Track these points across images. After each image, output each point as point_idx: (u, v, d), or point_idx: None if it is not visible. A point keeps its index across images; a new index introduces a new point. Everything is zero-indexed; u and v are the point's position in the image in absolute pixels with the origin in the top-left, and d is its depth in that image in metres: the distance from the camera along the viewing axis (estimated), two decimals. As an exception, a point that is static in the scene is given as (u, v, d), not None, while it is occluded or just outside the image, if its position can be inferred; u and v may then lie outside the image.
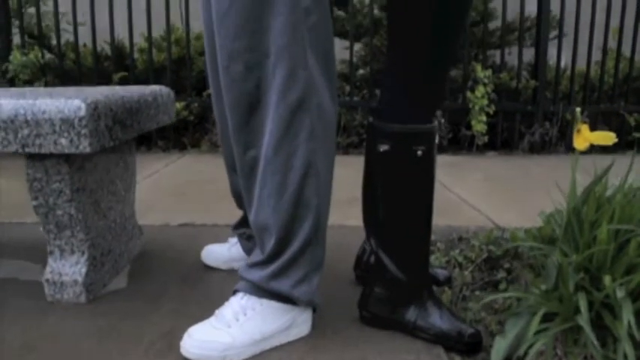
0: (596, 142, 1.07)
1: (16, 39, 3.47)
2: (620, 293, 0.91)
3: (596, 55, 3.75)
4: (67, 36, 3.57)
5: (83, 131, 1.11)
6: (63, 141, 1.12)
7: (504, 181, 2.66)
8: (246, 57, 0.97)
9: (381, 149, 1.02)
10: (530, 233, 1.39)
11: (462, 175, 2.74)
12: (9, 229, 1.86)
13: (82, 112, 1.11)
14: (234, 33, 0.96)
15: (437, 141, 1.05)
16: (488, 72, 3.29)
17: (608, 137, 1.05)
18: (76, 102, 1.11)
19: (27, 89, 1.55)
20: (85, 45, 3.57)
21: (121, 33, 3.42)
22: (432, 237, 1.74)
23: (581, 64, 3.67)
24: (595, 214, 1.08)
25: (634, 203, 1.08)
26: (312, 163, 1.00)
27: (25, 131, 1.14)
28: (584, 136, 1.06)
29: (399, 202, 1.05)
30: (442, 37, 1.00)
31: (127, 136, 1.29)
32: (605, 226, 1.00)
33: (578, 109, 1.08)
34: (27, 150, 1.15)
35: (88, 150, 1.11)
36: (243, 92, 0.99)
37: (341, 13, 3.58)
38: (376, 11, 3.41)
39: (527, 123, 3.51)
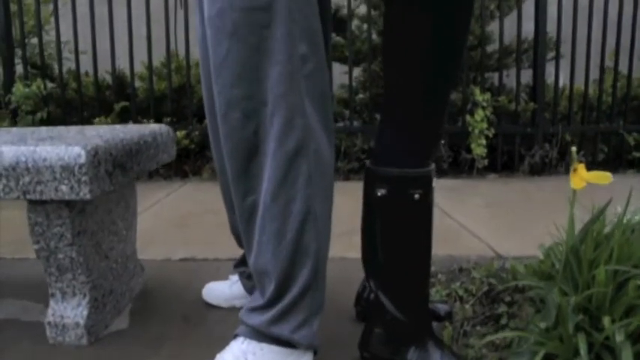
0: (592, 182, 1.08)
1: (19, 69, 3.51)
2: (619, 337, 0.91)
3: (595, 74, 3.77)
4: (68, 64, 3.62)
5: (83, 178, 1.12)
6: (63, 188, 1.13)
7: (505, 206, 2.66)
8: (243, 105, 0.98)
9: (379, 193, 1.03)
10: (530, 268, 1.39)
11: (462, 200, 2.74)
12: (10, 265, 1.87)
13: (82, 160, 1.12)
14: (231, 81, 0.98)
15: (434, 183, 1.06)
16: (487, 95, 3.31)
17: (604, 177, 1.05)
18: (76, 149, 1.13)
19: (28, 130, 1.56)
20: (87, 73, 3.61)
21: (123, 61, 3.45)
22: (433, 268, 1.75)
23: (579, 83, 3.70)
24: (593, 253, 1.09)
25: (632, 241, 1.08)
26: (310, 209, 1.01)
27: (27, 178, 1.15)
28: (581, 176, 1.07)
29: (398, 245, 1.06)
30: (438, 83, 1.02)
31: (128, 179, 1.30)
32: (604, 267, 1.01)
33: (573, 149, 1.09)
34: (28, 197, 1.16)
35: (88, 197, 1.13)
36: (241, 140, 1.00)
37: (340, 39, 3.62)
38: (374, 37, 3.44)
39: (527, 145, 3.52)
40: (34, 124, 3.32)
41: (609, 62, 3.81)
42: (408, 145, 1.02)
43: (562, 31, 3.52)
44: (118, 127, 1.56)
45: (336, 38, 3.57)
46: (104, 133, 1.36)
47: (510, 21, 3.62)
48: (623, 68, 3.76)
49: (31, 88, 3.22)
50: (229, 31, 0.96)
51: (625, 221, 1.22)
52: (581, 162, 1.08)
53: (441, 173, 3.34)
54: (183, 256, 1.90)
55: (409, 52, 0.99)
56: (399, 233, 1.05)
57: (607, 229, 1.18)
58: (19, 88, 3.19)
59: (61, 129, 1.56)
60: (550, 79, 3.64)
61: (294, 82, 0.97)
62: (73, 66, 3.47)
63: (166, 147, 1.53)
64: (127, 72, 3.44)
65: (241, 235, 1.10)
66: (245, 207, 1.04)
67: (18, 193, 1.16)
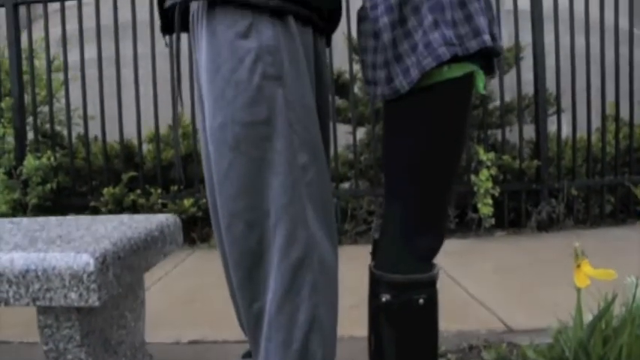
0: (597, 278, 1.08)
1: (30, 134, 3.59)
2: None
3: (597, 122, 3.79)
4: (78, 129, 3.68)
5: (92, 286, 1.14)
6: (72, 295, 1.15)
7: (514, 270, 2.65)
8: (246, 216, 1.00)
9: (383, 299, 1.04)
10: (540, 353, 1.38)
11: (469, 265, 2.73)
12: (17, 350, 1.86)
13: (91, 268, 1.14)
14: (234, 194, 1.00)
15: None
16: (491, 154, 3.33)
17: (608, 274, 1.06)
18: (85, 257, 1.15)
19: (38, 224, 1.58)
20: (95, 138, 3.68)
21: (131, 125, 3.50)
22: (443, 347, 1.73)
23: (582, 131, 3.71)
24: (603, 349, 1.08)
25: (641, 338, 1.08)
26: (316, 318, 1.01)
27: (36, 286, 1.17)
28: (585, 272, 1.08)
29: (404, 348, 1.06)
30: (440, 184, 1.04)
31: (135, 278, 1.32)
32: (613, 369, 1.00)
33: (577, 245, 1.10)
34: (38, 303, 1.17)
35: (97, 304, 1.14)
36: (245, 250, 1.02)
37: (343, 102, 3.68)
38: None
39: (533, 200, 3.53)
40: (44, 193, 3.37)
41: (611, 110, 3.85)
42: (411, 251, 1.03)
43: (561, 82, 3.56)
44: (125, 219, 1.58)
45: (339, 101, 3.63)
46: (112, 230, 1.39)
47: (510, 77, 3.68)
48: (625, 115, 3.80)
49: (42, 160, 3.28)
50: (231, 145, 0.99)
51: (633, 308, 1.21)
52: (585, 258, 1.09)
53: (448, 233, 3.34)
54: (192, 338, 1.90)
55: (412, 165, 1.02)
56: (404, 337, 1.05)
57: (616, 321, 1.17)
58: (30, 161, 3.25)
59: (70, 222, 1.58)
60: (553, 128, 3.66)
61: (295, 192, 1.00)
62: (82, 131, 3.55)
63: (173, 237, 1.55)
64: (135, 136, 3.48)
65: (248, 336, 1.11)
66: (251, 314, 1.05)
67: (28, 299, 1.17)
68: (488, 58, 1.07)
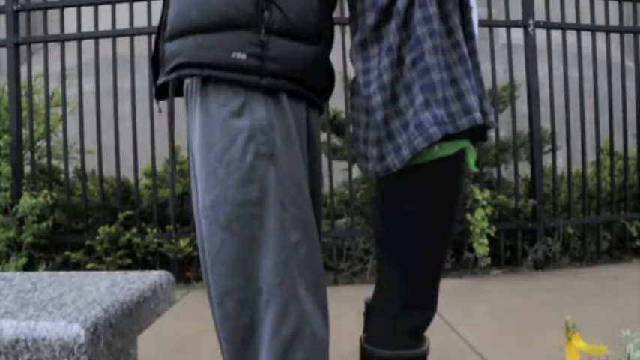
0: (587, 352, 1.08)
1: (27, 168, 3.59)
2: None
3: (592, 155, 3.80)
4: (75, 163, 3.69)
5: (82, 357, 1.13)
6: (62, 366, 1.14)
7: (510, 313, 2.64)
8: (238, 294, 1.01)
9: None
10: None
11: (466, 308, 2.72)
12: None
13: (82, 339, 1.13)
14: (226, 272, 1.01)
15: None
16: (487, 194, 3.35)
17: (599, 350, 1.05)
18: (76, 328, 1.14)
19: (29, 280, 1.57)
20: (93, 172, 3.69)
21: (129, 162, 3.51)
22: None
23: (577, 163, 3.71)
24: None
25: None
26: None
27: (26, 356, 1.16)
28: (576, 347, 1.07)
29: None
30: (433, 261, 1.05)
31: (127, 341, 1.31)
32: None
33: (568, 318, 1.09)
34: (27, 373, 1.16)
35: (86, 375, 1.13)
36: (237, 326, 1.02)
37: (339, 140, 3.70)
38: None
39: (529, 238, 3.53)
40: (39, 231, 3.36)
41: (606, 144, 3.86)
42: (401, 328, 1.03)
43: (556, 115, 3.57)
44: (118, 277, 1.57)
45: (335, 139, 3.65)
46: (104, 291, 1.38)
47: (506, 115, 3.71)
48: (620, 147, 3.81)
49: (38, 199, 3.28)
50: (223, 224, 1.00)
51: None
52: (575, 333, 1.09)
53: (445, 273, 3.33)
54: (185, 392, 1.88)
55: (406, 241, 1.03)
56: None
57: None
58: (25, 200, 3.25)
59: (62, 280, 1.57)
60: (549, 162, 3.66)
61: (287, 270, 1.00)
62: (80, 164, 3.56)
63: (167, 295, 1.55)
64: (133, 169, 3.49)
65: None
66: None
67: (17, 369, 1.17)
68: (481, 130, 1.09)
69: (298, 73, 1.03)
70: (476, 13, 1.10)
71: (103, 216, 3.43)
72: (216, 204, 1.00)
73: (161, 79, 1.09)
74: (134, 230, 3.36)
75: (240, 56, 0.98)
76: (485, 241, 3.30)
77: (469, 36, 1.06)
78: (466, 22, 1.06)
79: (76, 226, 3.54)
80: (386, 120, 1.00)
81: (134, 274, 1.60)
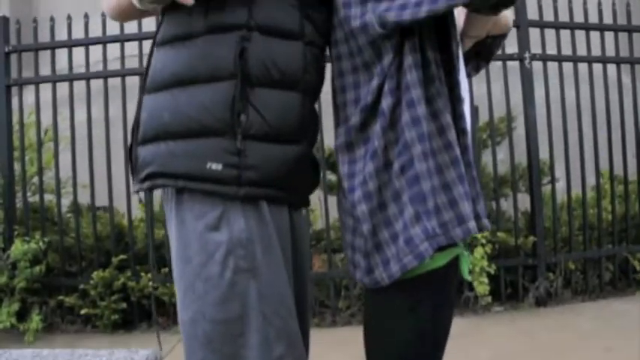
0: None
1: (19, 203, 3.55)
2: None
3: (591, 178, 3.74)
4: (69, 196, 3.64)
5: None
6: None
7: (512, 356, 2.59)
8: None
9: None
10: None
11: (466, 352, 2.65)
12: None
13: None
14: None
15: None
16: (486, 231, 3.29)
17: None
18: None
19: (11, 355, 1.53)
20: (88, 208, 3.64)
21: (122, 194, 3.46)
22: None
23: (576, 189, 3.65)
24: None
25: None
26: None
27: None
28: None
29: None
30: None
31: None
32: None
33: None
34: None
35: None
36: None
37: (334, 177, 3.65)
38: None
39: (530, 274, 3.47)
40: (32, 275, 3.31)
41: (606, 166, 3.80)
42: None
43: (554, 136, 3.52)
44: (104, 358, 1.53)
45: (330, 176, 3.60)
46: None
47: (504, 146, 3.67)
48: (619, 170, 3.75)
49: (30, 245, 3.23)
50: (202, 342, 0.95)
51: None
52: None
53: (445, 312, 3.27)
54: None
55: (397, 350, 0.98)
56: None
57: None
58: (17, 247, 3.20)
59: (47, 357, 1.53)
60: (548, 187, 3.60)
61: None
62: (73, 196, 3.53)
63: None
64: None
65: None
66: None
67: None
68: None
69: (279, 180, 0.99)
70: (468, 104, 1.05)
71: (97, 257, 3.39)
72: (195, 320, 0.95)
73: (135, 188, 1.04)
74: (129, 274, 3.31)
75: (216, 167, 0.94)
76: (486, 279, 3.24)
77: (461, 132, 1.01)
78: (458, 116, 1.01)
79: (69, 268, 3.49)
80: (373, 230, 0.95)
81: (120, 354, 1.55)
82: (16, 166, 3.57)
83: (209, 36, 0.99)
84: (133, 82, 3.34)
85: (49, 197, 3.68)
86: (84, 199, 3.60)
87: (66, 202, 3.67)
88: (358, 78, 1.03)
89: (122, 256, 3.30)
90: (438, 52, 1.01)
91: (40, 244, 3.28)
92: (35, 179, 3.67)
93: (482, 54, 1.22)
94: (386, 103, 0.97)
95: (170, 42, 1.04)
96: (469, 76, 1.24)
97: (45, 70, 3.49)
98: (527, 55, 3.39)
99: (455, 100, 1.01)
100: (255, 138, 0.96)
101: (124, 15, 1.18)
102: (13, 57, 3.48)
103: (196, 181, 0.95)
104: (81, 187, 3.51)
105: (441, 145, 0.97)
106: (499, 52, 3.38)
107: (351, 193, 0.98)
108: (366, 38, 0.99)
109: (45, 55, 3.48)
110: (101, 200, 3.50)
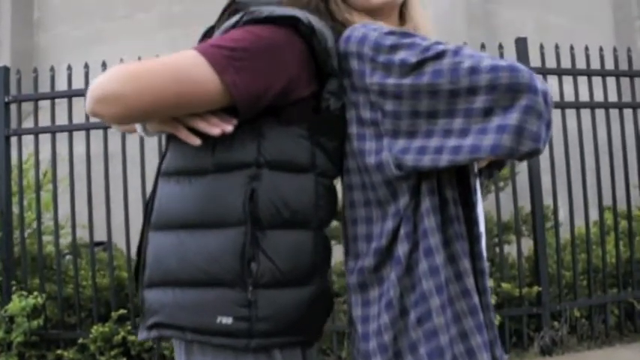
0: None
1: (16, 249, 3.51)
2: None
3: (593, 214, 3.71)
4: (68, 237, 3.60)
5: None
6: None
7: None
8: None
9: None
10: None
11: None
12: None
13: None
14: None
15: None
16: (490, 282, 3.25)
17: None
18: None
19: None
20: (86, 246, 3.59)
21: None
22: None
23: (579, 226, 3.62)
24: None
25: None
26: None
27: None
28: None
29: None
30: None
31: None
32: None
33: None
34: None
35: None
36: None
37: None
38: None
39: (535, 323, 3.43)
40: (30, 329, 3.26)
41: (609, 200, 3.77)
42: None
43: (556, 169, 3.49)
44: None
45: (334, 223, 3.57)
46: None
47: (507, 193, 3.64)
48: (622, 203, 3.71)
49: (28, 301, 3.19)
50: None
51: None
52: None
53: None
54: None
55: None
56: None
57: None
58: (15, 304, 3.16)
59: None
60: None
61: None
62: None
63: None
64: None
65: None
66: None
67: None
68: None
69: (292, 326, 0.95)
70: (484, 242, 1.02)
71: (97, 308, 3.34)
72: None
73: (142, 335, 1.00)
74: (128, 327, 3.26)
75: (226, 320, 0.91)
76: (490, 331, 3.19)
77: (480, 273, 0.98)
78: (476, 256, 0.98)
79: (68, 320, 3.44)
80: None
81: None
82: (15, 209, 3.55)
83: (216, 175, 0.96)
84: (133, 135, 3.33)
85: (47, 238, 3.65)
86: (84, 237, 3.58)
87: (64, 241, 3.64)
88: (371, 213, 1.00)
89: (122, 311, 3.25)
90: (455, 189, 0.98)
91: (39, 299, 3.23)
92: (34, 224, 3.64)
93: (496, 163, 1.20)
94: (402, 249, 0.94)
95: (176, 174, 1.01)
96: (482, 185, 1.21)
97: (44, 121, 3.46)
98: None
99: (473, 239, 0.98)
100: (266, 286, 0.93)
101: (129, 131, 1.16)
102: (13, 107, 3.46)
103: (206, 335, 0.92)
104: (80, 227, 3.48)
105: (458, 291, 0.94)
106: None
107: (365, 342, 0.95)
108: (381, 177, 0.96)
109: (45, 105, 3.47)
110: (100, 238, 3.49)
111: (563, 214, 3.72)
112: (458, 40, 5.10)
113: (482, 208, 1.05)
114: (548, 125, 0.89)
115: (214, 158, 0.97)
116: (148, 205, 1.05)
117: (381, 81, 0.94)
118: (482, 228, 1.02)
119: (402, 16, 1.14)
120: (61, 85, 3.46)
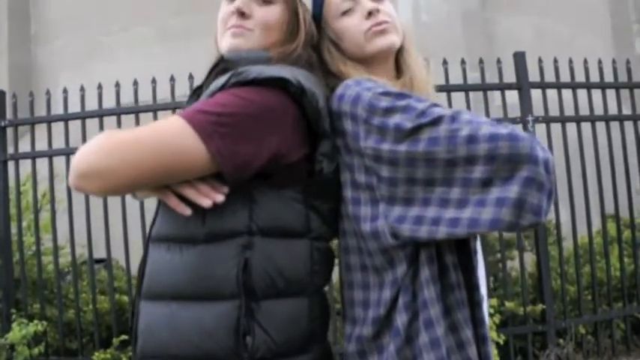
0: None
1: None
2: None
3: (596, 222, 3.67)
4: (68, 257, 3.58)
5: None
6: None
7: None
8: None
9: None
10: None
11: None
12: None
13: None
14: None
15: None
16: (494, 301, 3.22)
17: None
18: None
19: None
20: (86, 263, 3.57)
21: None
22: None
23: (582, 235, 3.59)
24: None
25: None
26: None
27: None
28: None
29: None
30: None
31: None
32: None
33: None
34: None
35: None
36: None
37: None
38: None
39: (540, 341, 3.40)
40: (31, 357, 3.23)
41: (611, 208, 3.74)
42: None
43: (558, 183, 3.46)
44: None
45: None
46: None
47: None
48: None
49: (28, 329, 3.16)
50: None
51: None
52: None
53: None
54: None
55: None
56: None
57: None
58: (15, 333, 3.13)
59: None
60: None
61: None
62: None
63: None
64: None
65: None
66: None
67: None
68: None
69: None
70: (486, 305, 0.99)
71: (98, 334, 3.31)
72: None
73: None
74: (130, 353, 3.23)
75: None
76: (495, 351, 3.16)
77: (482, 340, 0.95)
78: (477, 322, 0.96)
79: (69, 345, 3.42)
80: None
81: None
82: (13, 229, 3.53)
83: (208, 245, 0.94)
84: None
85: (48, 258, 3.62)
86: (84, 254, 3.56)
87: (64, 260, 3.62)
88: (367, 278, 0.97)
89: (123, 337, 3.22)
90: (455, 253, 0.95)
91: (39, 326, 3.21)
92: (33, 246, 3.62)
93: None
94: (401, 319, 0.91)
95: (166, 241, 0.98)
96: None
97: (41, 145, 3.44)
98: (530, 118, 3.34)
99: (474, 304, 0.96)
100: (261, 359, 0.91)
101: None
102: (10, 131, 3.44)
103: None
104: (80, 247, 3.46)
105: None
106: (501, 115, 3.40)
107: None
108: (377, 245, 0.93)
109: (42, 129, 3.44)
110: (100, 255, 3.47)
111: (566, 215, 3.68)
112: (456, 49, 5.13)
113: (483, 268, 1.02)
114: (550, 195, 0.86)
115: (205, 227, 0.94)
116: (139, 272, 1.03)
117: (375, 146, 0.91)
118: (483, 291, 0.99)
119: (398, 65, 1.12)
120: (57, 106, 3.44)
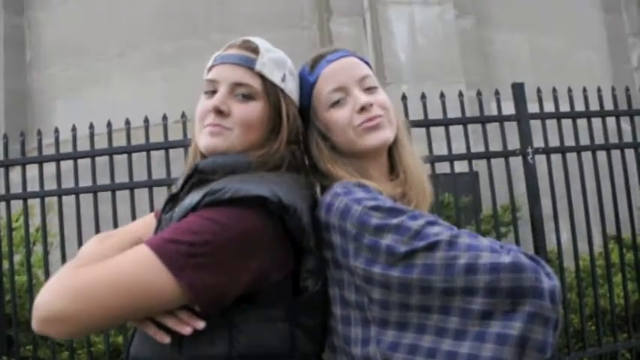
0: None
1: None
2: None
3: (598, 237, 3.61)
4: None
5: None
6: None
7: None
8: None
9: None
10: None
11: None
12: None
13: None
14: None
15: None
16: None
17: None
18: None
19: None
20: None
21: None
22: None
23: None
24: None
25: None
26: None
27: None
28: None
29: None
30: None
31: None
32: None
33: None
34: None
35: None
36: None
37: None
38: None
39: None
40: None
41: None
42: None
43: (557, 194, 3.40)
44: None
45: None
46: None
47: (509, 239, 3.55)
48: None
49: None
50: None
51: None
52: None
53: None
54: None
55: None
56: None
57: None
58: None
59: None
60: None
61: None
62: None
63: None
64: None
65: None
66: None
67: None
68: None
69: None
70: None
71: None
72: None
73: None
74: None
75: None
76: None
77: None
78: None
79: (64, 389, 3.36)
80: None
81: None
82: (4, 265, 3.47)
83: None
84: (124, 195, 3.25)
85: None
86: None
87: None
88: None
89: (119, 382, 3.16)
90: None
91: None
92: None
93: None
94: None
95: None
96: None
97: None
98: (529, 150, 3.28)
99: None
100: None
101: None
102: (1, 172, 3.39)
103: None
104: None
105: None
106: (500, 149, 3.34)
107: None
108: None
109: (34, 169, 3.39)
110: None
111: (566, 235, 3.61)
112: (453, 69, 5.08)
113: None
114: (556, 325, 0.80)
115: (181, 354, 0.89)
116: None
117: (366, 267, 0.86)
118: None
119: (392, 158, 1.07)
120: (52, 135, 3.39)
